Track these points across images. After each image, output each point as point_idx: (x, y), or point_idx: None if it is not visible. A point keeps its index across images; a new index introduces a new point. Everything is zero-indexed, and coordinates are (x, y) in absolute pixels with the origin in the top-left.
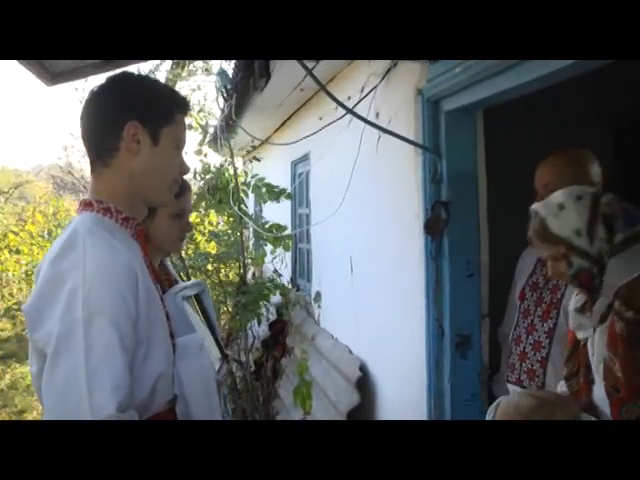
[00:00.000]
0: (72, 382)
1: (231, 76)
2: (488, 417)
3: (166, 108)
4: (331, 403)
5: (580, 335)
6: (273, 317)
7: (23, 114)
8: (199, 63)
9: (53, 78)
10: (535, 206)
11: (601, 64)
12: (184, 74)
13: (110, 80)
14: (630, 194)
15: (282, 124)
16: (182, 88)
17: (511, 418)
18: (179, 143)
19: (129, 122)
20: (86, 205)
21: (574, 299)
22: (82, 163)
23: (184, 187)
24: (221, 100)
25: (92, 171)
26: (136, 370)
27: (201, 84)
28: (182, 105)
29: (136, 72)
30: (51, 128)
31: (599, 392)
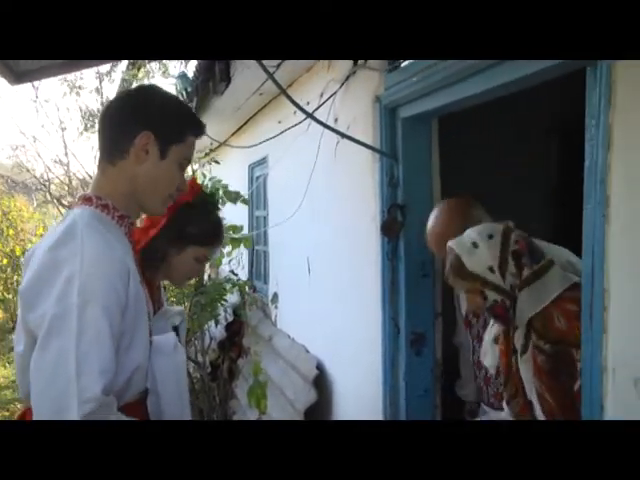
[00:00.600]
0: (62, 363)
1: (191, 79)
2: None
3: (181, 128)
4: (288, 401)
5: (486, 362)
6: (230, 318)
7: None
8: (156, 65)
9: (18, 77)
10: (450, 243)
11: (551, 76)
12: (140, 75)
13: (139, 88)
14: (572, 198)
15: (239, 127)
16: None
17: None
18: (184, 163)
19: (143, 132)
20: (85, 200)
21: (489, 330)
22: (33, 163)
23: (218, 238)
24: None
25: (98, 166)
26: (119, 359)
27: (160, 85)
28: (197, 129)
29: (156, 85)
30: None
31: (540, 413)
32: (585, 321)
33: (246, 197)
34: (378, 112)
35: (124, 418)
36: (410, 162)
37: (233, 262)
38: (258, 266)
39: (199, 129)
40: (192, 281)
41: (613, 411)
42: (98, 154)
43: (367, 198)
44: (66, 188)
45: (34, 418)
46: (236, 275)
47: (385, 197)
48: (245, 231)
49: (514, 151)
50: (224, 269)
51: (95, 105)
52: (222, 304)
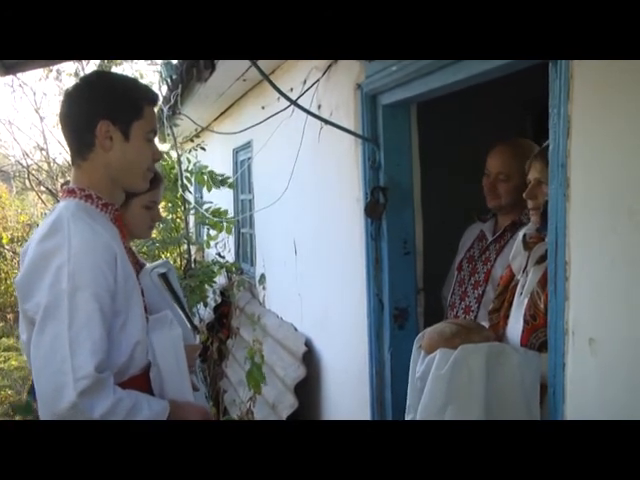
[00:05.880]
0: (57, 345)
1: (176, 66)
2: (415, 345)
3: (134, 104)
4: (279, 378)
5: (514, 267)
6: (218, 300)
7: None
8: None
9: (6, 70)
10: None
11: (525, 64)
12: (118, 60)
13: (81, 81)
14: None
15: (223, 112)
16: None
17: (436, 343)
18: (150, 134)
19: (101, 121)
20: (69, 192)
21: (527, 227)
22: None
23: (156, 180)
24: (164, 89)
25: (72, 163)
26: (116, 337)
27: (143, 73)
28: (149, 97)
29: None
30: None
31: (512, 327)
32: (550, 290)
33: (231, 180)
34: (359, 99)
35: (120, 392)
36: (391, 147)
37: (219, 245)
38: (244, 248)
39: (151, 96)
40: (180, 264)
41: (572, 367)
42: (69, 153)
43: (351, 181)
44: (44, 174)
45: (37, 396)
46: (223, 258)
47: (367, 180)
48: (230, 215)
49: (491, 132)
50: (210, 252)
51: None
52: (211, 286)
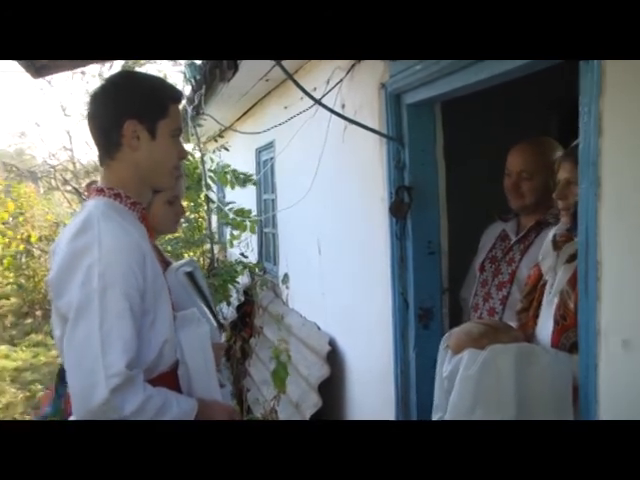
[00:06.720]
0: (89, 343)
1: (200, 66)
2: (442, 345)
3: (160, 102)
4: (302, 377)
5: (543, 267)
6: (241, 299)
7: None
8: None
9: (37, 71)
10: None
11: (546, 64)
12: (142, 60)
13: (107, 82)
14: None
15: (245, 112)
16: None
17: (463, 343)
18: (175, 132)
19: (127, 121)
20: (98, 191)
21: (556, 227)
22: (37, 149)
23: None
24: (188, 89)
25: (100, 163)
26: (145, 335)
27: (167, 73)
28: (174, 96)
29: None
30: None
31: (541, 327)
32: (581, 290)
33: (255, 179)
34: (384, 98)
35: (150, 389)
36: (415, 146)
37: (242, 245)
38: (267, 248)
39: (176, 95)
40: (203, 263)
41: (605, 369)
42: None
43: (375, 180)
44: (70, 174)
45: (70, 393)
46: (246, 257)
47: (392, 180)
48: (253, 214)
49: (515, 132)
50: (233, 252)
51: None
52: (234, 286)
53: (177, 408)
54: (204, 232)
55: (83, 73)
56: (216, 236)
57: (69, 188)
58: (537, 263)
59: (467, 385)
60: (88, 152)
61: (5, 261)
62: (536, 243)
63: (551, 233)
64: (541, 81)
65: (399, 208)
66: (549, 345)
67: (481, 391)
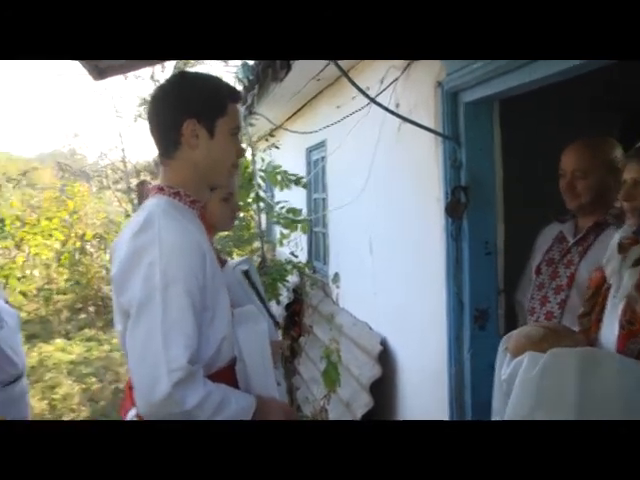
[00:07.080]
0: (151, 338)
1: (252, 67)
2: (501, 347)
3: (218, 101)
4: (353, 377)
5: (607, 270)
6: (291, 298)
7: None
8: None
9: (100, 73)
10: None
11: (608, 63)
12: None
13: (167, 82)
14: None
15: (295, 112)
16: None
17: (522, 346)
18: (234, 131)
19: (187, 120)
20: (158, 190)
21: (622, 230)
22: (89, 150)
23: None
24: (240, 89)
25: (161, 162)
26: (204, 332)
27: (219, 74)
28: (233, 95)
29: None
30: (50, 116)
31: (605, 331)
32: None
33: (305, 180)
34: (440, 97)
35: (210, 385)
36: (473, 145)
37: (292, 244)
38: (317, 247)
39: (235, 94)
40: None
41: None
42: (156, 151)
43: (430, 180)
44: (120, 173)
45: (134, 387)
46: (296, 257)
47: (448, 179)
48: (304, 214)
49: (571, 132)
50: (282, 251)
51: (150, 92)
52: (284, 284)
53: (236, 404)
54: (253, 231)
55: (137, 77)
56: (265, 235)
57: (119, 187)
58: (599, 266)
59: (527, 388)
60: (138, 152)
61: (62, 257)
62: (595, 245)
63: (617, 236)
64: (598, 82)
65: (455, 208)
66: (614, 350)
67: (541, 395)
